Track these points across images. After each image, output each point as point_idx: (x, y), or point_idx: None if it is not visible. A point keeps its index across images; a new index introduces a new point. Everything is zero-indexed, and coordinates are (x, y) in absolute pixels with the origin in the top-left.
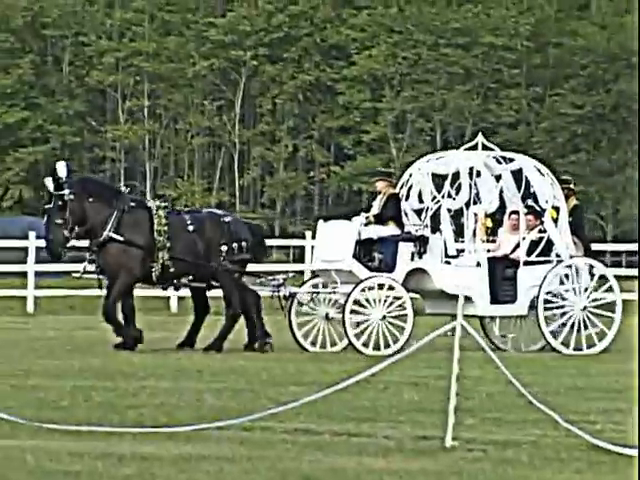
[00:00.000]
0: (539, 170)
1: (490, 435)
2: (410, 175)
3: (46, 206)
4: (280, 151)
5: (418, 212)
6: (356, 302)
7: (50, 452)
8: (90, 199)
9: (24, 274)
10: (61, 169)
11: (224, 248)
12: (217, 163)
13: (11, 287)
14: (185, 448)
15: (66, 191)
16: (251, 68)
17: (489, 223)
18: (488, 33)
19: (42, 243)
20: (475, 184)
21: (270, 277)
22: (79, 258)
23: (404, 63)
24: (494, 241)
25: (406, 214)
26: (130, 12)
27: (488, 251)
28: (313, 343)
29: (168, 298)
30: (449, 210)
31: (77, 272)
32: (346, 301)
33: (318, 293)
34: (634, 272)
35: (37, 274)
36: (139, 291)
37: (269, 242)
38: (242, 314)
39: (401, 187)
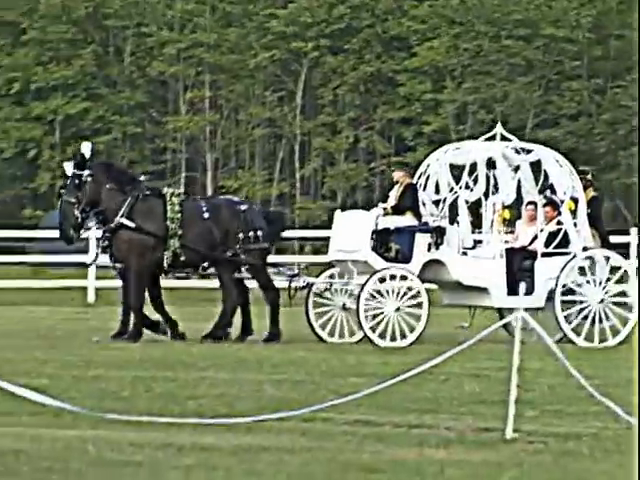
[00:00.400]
0: (557, 161)
1: (551, 427)
2: (428, 165)
3: (62, 190)
4: (341, 142)
5: (436, 203)
6: (371, 293)
7: (111, 442)
8: (107, 184)
9: (84, 265)
10: (86, 149)
11: (240, 236)
12: (278, 154)
13: (72, 278)
14: (245, 439)
15: (85, 172)
16: (312, 59)
17: (506, 214)
18: (550, 25)
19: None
20: (493, 175)
21: (287, 267)
22: None
23: (465, 54)
24: (512, 232)
25: (424, 204)
26: (191, 3)
27: (506, 242)
28: (331, 334)
29: None
30: (466, 201)
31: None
32: (360, 292)
33: (332, 284)
34: None
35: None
36: (197, 282)
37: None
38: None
39: (419, 177)
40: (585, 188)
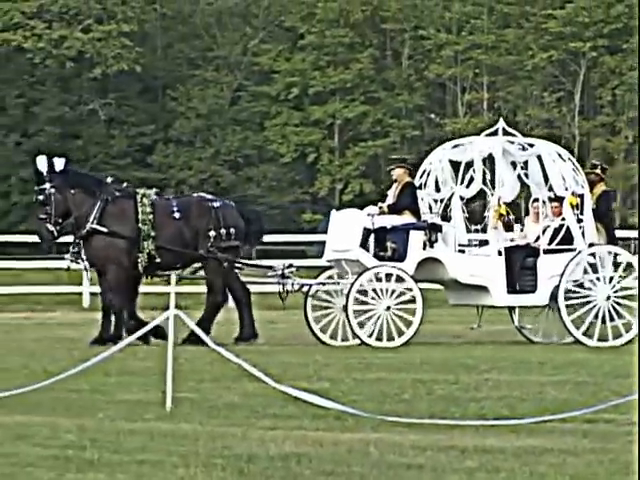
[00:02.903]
0: (560, 156)
1: None
2: (430, 163)
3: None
4: (620, 142)
5: (439, 201)
6: (361, 292)
7: (393, 445)
8: (72, 191)
9: None
10: (41, 163)
11: (212, 234)
12: None
13: None
14: (528, 441)
15: (47, 185)
16: (590, 59)
17: (502, 210)
18: None
19: None
20: (491, 171)
21: (270, 268)
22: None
23: None
24: (510, 228)
25: (429, 204)
26: (469, 5)
27: (512, 240)
28: (333, 336)
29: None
30: (462, 198)
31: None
32: (349, 291)
33: (324, 284)
34: None
35: None
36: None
37: None
38: (235, 304)
39: (421, 175)
40: (595, 183)
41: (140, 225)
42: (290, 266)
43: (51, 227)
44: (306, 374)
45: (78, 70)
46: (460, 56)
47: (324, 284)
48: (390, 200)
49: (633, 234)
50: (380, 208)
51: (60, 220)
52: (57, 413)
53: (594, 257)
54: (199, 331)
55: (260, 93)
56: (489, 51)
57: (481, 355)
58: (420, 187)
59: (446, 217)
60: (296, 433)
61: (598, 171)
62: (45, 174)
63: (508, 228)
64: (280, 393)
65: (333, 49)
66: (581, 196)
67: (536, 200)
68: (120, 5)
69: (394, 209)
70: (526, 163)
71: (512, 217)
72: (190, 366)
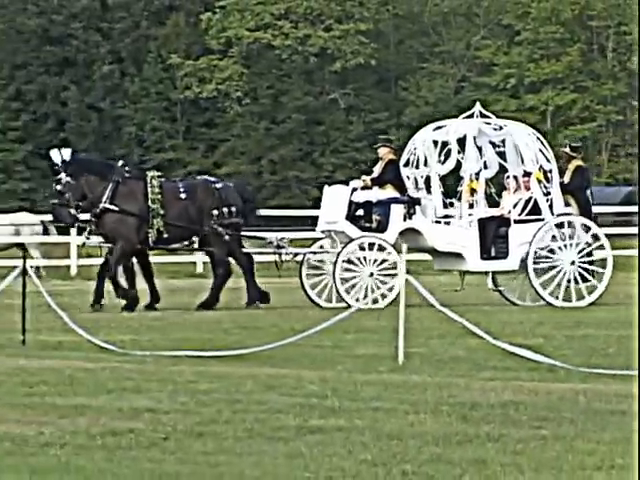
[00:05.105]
0: (529, 135)
1: None
2: (413, 143)
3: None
4: None
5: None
6: (347, 260)
7: (599, 394)
8: (85, 176)
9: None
10: (55, 156)
11: (215, 213)
12: None
13: None
14: None
15: (62, 175)
16: None
17: (474, 185)
18: None
19: None
20: (477, 149)
21: (265, 240)
22: None
23: None
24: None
25: (411, 179)
26: None
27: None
28: (328, 300)
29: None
30: (438, 174)
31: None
32: (336, 260)
33: (315, 253)
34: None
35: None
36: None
37: None
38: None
39: (409, 155)
40: (571, 158)
41: (150, 204)
42: (282, 239)
43: (73, 211)
44: (522, 331)
45: (321, 64)
46: None
47: (315, 253)
48: (375, 175)
49: None
50: (364, 181)
51: (80, 204)
52: (302, 366)
53: (561, 226)
54: (427, 294)
55: (481, 83)
56: None
57: None
58: (407, 164)
59: (429, 191)
60: (513, 383)
61: (567, 150)
62: (59, 165)
63: (491, 202)
64: (499, 348)
65: (546, 44)
66: (551, 171)
67: (508, 177)
68: (357, 6)
69: (377, 182)
70: (503, 142)
71: (493, 191)
72: (419, 324)
